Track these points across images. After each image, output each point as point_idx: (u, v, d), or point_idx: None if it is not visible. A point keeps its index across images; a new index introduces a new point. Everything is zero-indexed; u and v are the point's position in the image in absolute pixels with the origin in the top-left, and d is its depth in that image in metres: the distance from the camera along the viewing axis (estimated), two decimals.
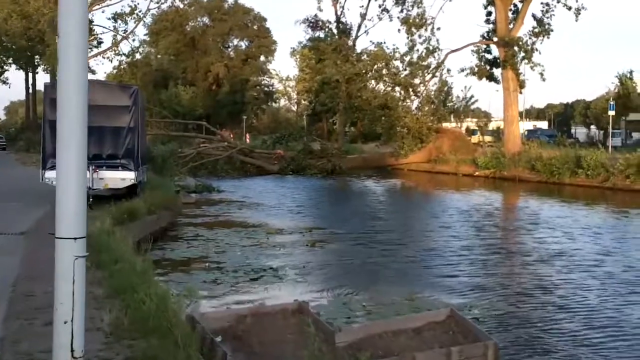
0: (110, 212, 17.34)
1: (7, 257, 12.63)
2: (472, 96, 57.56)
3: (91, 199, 19.71)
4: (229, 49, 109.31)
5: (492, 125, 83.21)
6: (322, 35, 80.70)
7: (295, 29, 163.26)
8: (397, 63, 49.48)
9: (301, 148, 52.34)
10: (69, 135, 5.24)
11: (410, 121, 47.76)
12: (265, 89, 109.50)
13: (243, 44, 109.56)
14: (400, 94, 49.12)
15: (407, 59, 49.11)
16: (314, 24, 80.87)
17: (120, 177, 20.88)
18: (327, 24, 68.68)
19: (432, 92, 49.42)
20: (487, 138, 72.10)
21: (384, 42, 52.36)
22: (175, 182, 29.26)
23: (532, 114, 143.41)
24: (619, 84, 72.54)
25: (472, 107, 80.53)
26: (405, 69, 49.14)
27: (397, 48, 49.76)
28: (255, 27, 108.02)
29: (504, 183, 43.26)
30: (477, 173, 46.38)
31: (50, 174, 20.43)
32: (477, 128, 72.76)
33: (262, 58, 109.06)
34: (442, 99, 51.78)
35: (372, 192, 40.39)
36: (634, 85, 74.04)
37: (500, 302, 13.90)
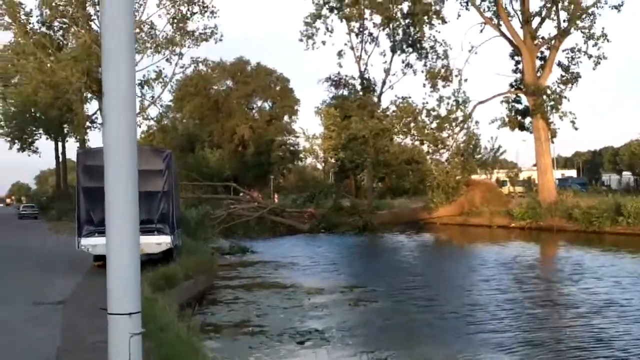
0: (147, 278, 16.87)
1: (47, 328, 12.16)
2: (499, 146, 56.98)
3: None
4: (253, 111, 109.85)
5: (522, 176, 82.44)
6: (345, 92, 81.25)
7: (318, 87, 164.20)
8: (425, 117, 49.11)
9: (331, 205, 51.89)
10: (121, 204, 4.84)
11: (440, 175, 47.20)
12: (291, 148, 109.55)
13: (267, 105, 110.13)
14: (428, 147, 48.66)
15: (434, 113, 48.77)
16: (337, 82, 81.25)
17: (156, 242, 20.43)
18: (349, 81, 69.04)
19: (461, 145, 48.88)
20: (518, 189, 71.32)
21: (409, 97, 52.08)
22: (209, 245, 28.84)
23: (560, 162, 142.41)
24: None
25: (500, 157, 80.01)
26: (432, 123, 48.72)
27: (426, 102, 49.52)
28: (278, 87, 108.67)
29: (541, 234, 42.36)
30: (512, 224, 45.52)
31: (85, 241, 20.11)
32: (507, 179, 72.06)
33: (286, 118, 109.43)
34: (471, 151, 51.09)
35: (406, 248, 39.68)
36: None
37: (556, 359, 13.26)
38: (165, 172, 20.99)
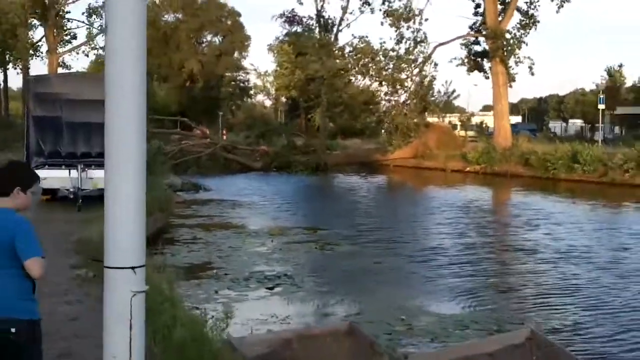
0: (102, 216, 15.87)
1: None
2: (454, 90, 56.25)
3: (80, 201, 18.32)
4: (203, 45, 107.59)
5: (474, 120, 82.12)
6: (299, 30, 79.64)
7: (271, 24, 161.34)
8: (383, 57, 48.01)
9: (285, 144, 50.88)
10: (127, 141, 3.97)
11: (398, 117, 46.39)
12: (241, 84, 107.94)
13: (217, 40, 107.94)
14: (387, 88, 47.69)
15: (393, 53, 47.73)
16: (291, 18, 79.69)
17: None
18: (304, 19, 67.47)
19: (420, 86, 48.02)
20: (470, 133, 70.96)
21: (367, 37, 50.86)
22: (163, 181, 27.66)
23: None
24: (607, 77, 71.83)
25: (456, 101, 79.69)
26: (391, 64, 47.69)
27: (384, 42, 48.34)
28: (229, 22, 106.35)
29: (496, 178, 42.10)
30: (467, 169, 45.15)
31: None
32: (459, 123, 71.53)
33: (236, 54, 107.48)
34: (430, 93, 50.27)
35: (362, 189, 39.07)
36: (622, 78, 73.55)
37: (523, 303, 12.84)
38: None
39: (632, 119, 72.91)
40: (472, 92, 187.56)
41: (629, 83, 76.75)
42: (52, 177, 18.91)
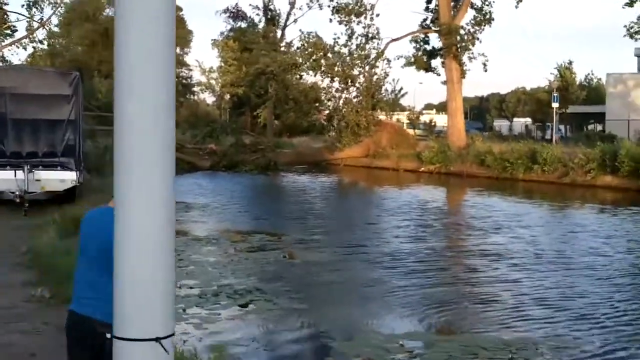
0: (54, 222, 14.45)
1: None
2: (401, 88, 55.53)
3: (27, 205, 16.80)
4: None
5: (422, 119, 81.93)
6: (243, 25, 78.16)
7: (214, 19, 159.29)
8: (336, 53, 46.93)
9: (233, 142, 49.49)
10: (154, 149, 2.74)
11: (349, 114, 45.32)
12: (183, 81, 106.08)
13: None
14: (338, 84, 46.57)
15: (345, 48, 46.73)
16: (236, 14, 78.21)
17: (60, 179, 17.85)
18: (249, 14, 65.92)
19: (373, 83, 47.03)
20: (418, 132, 70.51)
21: (316, 32, 49.71)
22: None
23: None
24: (558, 75, 71.81)
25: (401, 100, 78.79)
26: (343, 59, 46.65)
27: (338, 37, 47.22)
28: None
29: (451, 179, 41.42)
30: (422, 168, 44.33)
31: None
32: (408, 121, 71.18)
33: (178, 50, 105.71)
34: (382, 90, 49.34)
35: (314, 189, 37.90)
36: (573, 76, 73.61)
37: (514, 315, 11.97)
38: (72, 97, 18.34)
39: (581, 118, 73.30)
40: (417, 90, 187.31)
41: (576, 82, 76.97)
42: (5, 179, 17.38)
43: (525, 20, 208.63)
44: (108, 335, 4.23)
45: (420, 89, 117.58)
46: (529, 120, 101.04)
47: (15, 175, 17.12)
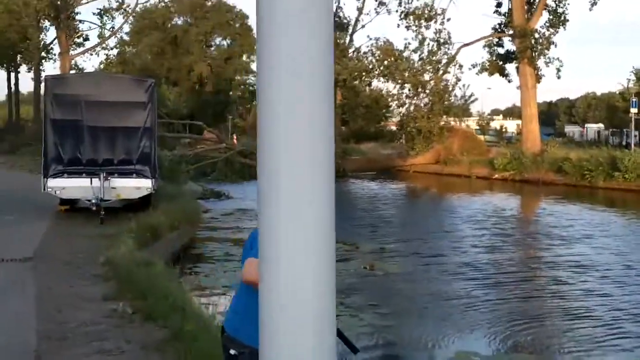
0: (131, 230, 14.12)
1: (16, 297, 9.40)
2: (472, 94, 54.25)
3: (102, 213, 16.53)
4: (212, 48, 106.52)
5: (493, 125, 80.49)
6: None
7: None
8: (407, 58, 46.15)
9: None
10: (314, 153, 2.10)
11: (421, 120, 44.48)
12: (250, 88, 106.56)
13: (225, 43, 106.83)
14: (409, 91, 45.74)
15: (416, 54, 45.92)
16: None
17: (135, 186, 17.56)
18: None
19: (445, 89, 46.08)
20: (488, 138, 69.10)
21: (384, 38, 49.02)
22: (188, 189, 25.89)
23: (515, 113, 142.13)
24: (635, 79, 69.54)
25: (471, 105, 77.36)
26: (415, 65, 45.83)
27: (409, 43, 46.41)
28: (237, 25, 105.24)
29: (526, 186, 40.17)
30: (495, 175, 43.20)
31: (53, 183, 17.17)
32: (477, 127, 69.75)
33: (244, 57, 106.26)
34: (455, 95, 48.29)
35: (387, 196, 37.25)
36: None
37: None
38: (147, 104, 18.02)
39: None
40: (485, 95, 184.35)
41: None
42: (72, 186, 17.16)
43: (590, 22, 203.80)
44: (232, 352, 4.15)
45: (487, 94, 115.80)
46: (601, 125, 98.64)
47: (91, 183, 16.90)
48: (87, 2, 47.98)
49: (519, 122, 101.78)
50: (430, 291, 14.40)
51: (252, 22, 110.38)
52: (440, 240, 21.74)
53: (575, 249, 20.02)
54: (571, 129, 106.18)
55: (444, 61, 45.95)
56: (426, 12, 46.08)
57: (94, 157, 17.58)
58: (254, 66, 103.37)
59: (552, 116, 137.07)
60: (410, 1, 50.20)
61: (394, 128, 73.79)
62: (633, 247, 20.60)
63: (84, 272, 11.07)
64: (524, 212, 31.90)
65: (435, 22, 46.02)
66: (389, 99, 48.88)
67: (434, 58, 45.56)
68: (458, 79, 46.34)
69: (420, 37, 46.25)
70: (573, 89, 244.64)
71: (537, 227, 26.27)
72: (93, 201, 16.75)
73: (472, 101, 61.91)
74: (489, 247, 20.50)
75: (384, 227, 24.36)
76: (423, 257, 18.24)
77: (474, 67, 48.04)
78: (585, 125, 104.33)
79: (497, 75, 49.93)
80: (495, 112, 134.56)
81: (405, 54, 46.02)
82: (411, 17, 46.68)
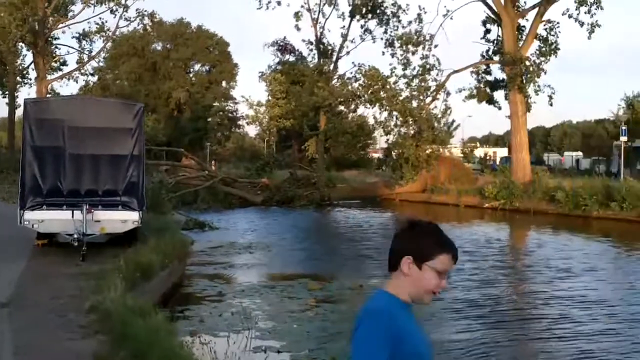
0: (120, 270, 12.71)
1: None
2: (453, 121, 53.20)
3: (85, 249, 15.07)
4: (191, 74, 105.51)
5: (477, 153, 79.61)
6: (291, 58, 76.91)
7: (259, 54, 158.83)
8: (395, 85, 45.06)
9: (288, 177, 47.88)
10: None
11: (410, 148, 43.32)
12: (230, 114, 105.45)
13: (205, 69, 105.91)
14: (397, 119, 44.57)
15: (404, 80, 44.85)
16: (284, 47, 77.05)
17: (121, 219, 16.09)
18: (299, 46, 64.55)
19: (433, 116, 44.96)
20: (472, 166, 68.10)
21: (370, 65, 47.85)
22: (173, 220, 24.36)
23: (492, 140, 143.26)
24: (625, 107, 68.88)
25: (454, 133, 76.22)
26: (404, 92, 44.76)
27: (395, 68, 45.35)
28: (217, 52, 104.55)
29: (517, 216, 39.06)
30: (486, 205, 42.05)
31: (31, 215, 15.68)
32: (461, 155, 68.72)
33: (224, 83, 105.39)
34: (442, 123, 47.15)
35: (378, 226, 35.94)
36: None
37: None
38: (135, 131, 16.63)
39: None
40: (465, 123, 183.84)
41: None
42: (52, 219, 15.64)
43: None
44: None
45: (465, 122, 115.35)
46: (580, 153, 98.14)
47: (72, 216, 15.39)
48: (66, 26, 46.40)
49: (496, 149, 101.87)
50: (443, 334, 13.16)
51: (232, 49, 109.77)
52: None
53: (580, 283, 18.93)
54: (550, 157, 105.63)
55: (432, 88, 44.95)
56: (414, 37, 45.16)
57: (76, 188, 16.10)
58: (233, 92, 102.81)
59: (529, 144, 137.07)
60: (396, 28, 49.52)
61: (376, 155, 72.95)
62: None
63: (68, 322, 9.66)
64: (523, 243, 30.74)
65: (424, 47, 45.10)
66: (376, 126, 47.69)
67: (422, 84, 44.53)
68: (447, 107, 45.29)
69: (406, 62, 45.29)
70: (547, 117, 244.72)
71: (538, 259, 25.06)
72: (75, 236, 15.21)
73: (455, 128, 61.14)
74: (490, 280, 19.43)
75: (382, 260, 23.02)
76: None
77: (460, 92, 47.11)
78: (564, 153, 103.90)
79: (476, 102, 49.00)
80: (472, 140, 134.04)
81: (392, 79, 44.96)
82: (399, 42, 45.77)
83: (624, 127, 46.16)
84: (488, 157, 76.78)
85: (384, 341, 3.02)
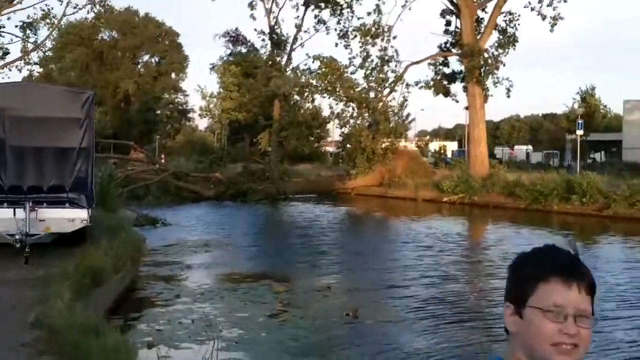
0: (68, 276, 11.42)
1: None
2: (409, 114, 52.38)
3: (28, 250, 13.67)
4: (139, 65, 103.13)
5: (432, 146, 79.10)
6: (243, 50, 75.45)
7: (211, 45, 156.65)
8: (352, 75, 44.17)
9: (241, 171, 46.62)
10: None
11: (366, 140, 42.37)
12: (179, 107, 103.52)
13: (154, 60, 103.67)
14: (353, 109, 43.63)
15: (362, 70, 43.92)
16: (235, 38, 75.49)
17: (68, 218, 14.69)
18: (252, 37, 63.28)
19: (390, 108, 44.12)
20: (427, 159, 67.52)
21: (328, 55, 46.83)
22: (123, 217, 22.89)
23: (441, 135, 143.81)
24: (580, 101, 68.98)
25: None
26: (361, 82, 43.87)
27: (353, 58, 44.37)
28: (166, 42, 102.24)
29: (476, 210, 38.46)
30: (444, 199, 41.36)
31: None
32: (416, 149, 68.11)
33: (173, 75, 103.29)
34: (400, 115, 46.30)
35: (337, 222, 34.95)
36: (596, 103, 70.81)
37: None
38: (84, 121, 15.25)
39: (591, 146, 70.31)
40: (418, 117, 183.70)
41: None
42: (6, 218, 14.17)
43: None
44: None
45: (421, 115, 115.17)
46: (530, 147, 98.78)
47: (14, 215, 13.98)
48: (12, 11, 44.24)
49: (446, 143, 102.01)
50: (432, 343, 12.11)
51: (182, 39, 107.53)
52: (403, 272, 19.50)
53: None
54: (500, 150, 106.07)
55: (391, 79, 44.10)
56: (373, 29, 44.22)
57: (18, 183, 14.67)
58: (183, 84, 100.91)
59: None
60: (350, 19, 48.54)
61: (330, 150, 72.01)
62: (619, 275, 18.91)
63: (8, 339, 8.38)
64: (480, 237, 30.02)
65: (382, 39, 44.19)
66: (332, 117, 46.70)
67: (380, 76, 43.62)
68: (405, 99, 44.45)
69: (365, 54, 44.39)
70: (495, 110, 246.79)
71: (501, 254, 24.27)
72: (17, 236, 13.77)
73: (410, 121, 60.43)
74: (464, 278, 19.09)
75: (345, 259, 22.06)
76: (401, 299, 15.84)
77: (417, 85, 46.34)
78: (515, 147, 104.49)
79: (431, 95, 48.42)
80: (423, 133, 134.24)
81: (350, 69, 44.01)
82: (357, 34, 44.85)
83: (580, 121, 45.81)
84: (442, 151, 76.34)
85: None
